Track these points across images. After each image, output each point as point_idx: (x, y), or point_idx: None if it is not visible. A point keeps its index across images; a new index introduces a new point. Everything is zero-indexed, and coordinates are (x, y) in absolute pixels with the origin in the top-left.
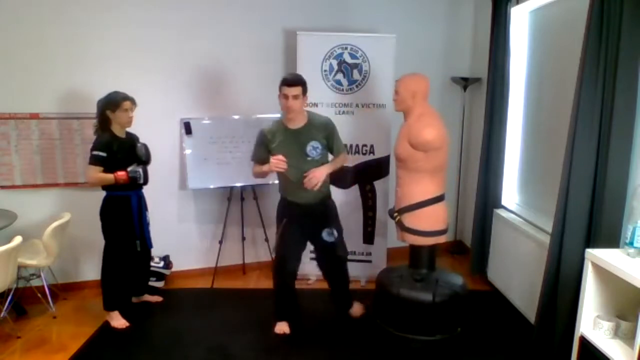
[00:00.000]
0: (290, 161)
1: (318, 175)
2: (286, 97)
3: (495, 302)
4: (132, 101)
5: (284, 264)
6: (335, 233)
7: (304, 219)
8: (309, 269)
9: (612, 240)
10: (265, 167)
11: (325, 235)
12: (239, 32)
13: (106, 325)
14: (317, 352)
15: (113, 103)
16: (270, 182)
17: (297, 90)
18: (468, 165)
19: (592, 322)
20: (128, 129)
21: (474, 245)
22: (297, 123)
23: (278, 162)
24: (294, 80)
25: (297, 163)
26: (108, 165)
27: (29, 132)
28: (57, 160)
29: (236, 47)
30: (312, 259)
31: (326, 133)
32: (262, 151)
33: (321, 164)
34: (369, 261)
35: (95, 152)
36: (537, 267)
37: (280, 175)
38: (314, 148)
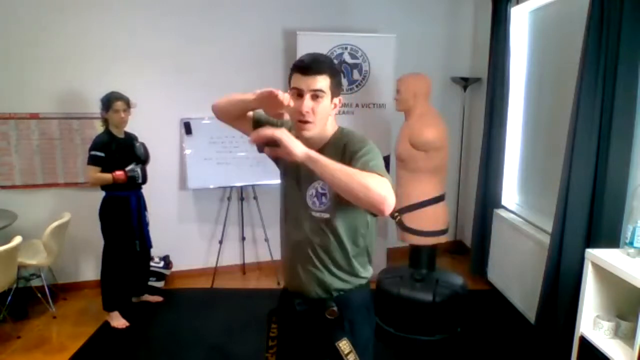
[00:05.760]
0: (289, 210)
1: (263, 134)
2: (299, 93)
3: (495, 302)
4: (126, 102)
5: None
6: None
7: (296, 334)
8: None
9: (612, 240)
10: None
11: None
12: (239, 32)
13: (106, 325)
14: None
15: (106, 103)
16: (272, 182)
17: (320, 80)
18: (468, 165)
19: (592, 322)
20: (127, 129)
21: (474, 245)
22: (313, 141)
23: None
24: (313, 64)
25: (296, 214)
26: (107, 165)
27: (29, 132)
28: (57, 160)
29: (236, 47)
30: None
31: (346, 158)
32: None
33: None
34: None
35: (93, 152)
36: (537, 267)
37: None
38: (319, 194)
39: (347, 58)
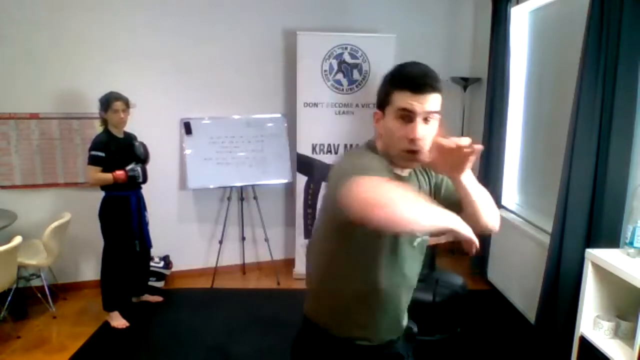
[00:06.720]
0: (402, 246)
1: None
2: (410, 116)
3: (495, 302)
4: (125, 102)
5: None
6: None
7: None
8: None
9: (612, 240)
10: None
11: None
12: (239, 32)
13: (106, 325)
14: None
15: (105, 103)
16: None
17: (434, 100)
18: None
19: (592, 322)
20: (127, 129)
21: None
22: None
23: None
24: (427, 79)
25: (402, 251)
26: (107, 165)
27: (29, 132)
28: (57, 160)
29: (236, 47)
30: None
31: (435, 180)
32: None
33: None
34: None
35: (93, 153)
36: (537, 267)
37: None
38: None
39: (347, 58)
